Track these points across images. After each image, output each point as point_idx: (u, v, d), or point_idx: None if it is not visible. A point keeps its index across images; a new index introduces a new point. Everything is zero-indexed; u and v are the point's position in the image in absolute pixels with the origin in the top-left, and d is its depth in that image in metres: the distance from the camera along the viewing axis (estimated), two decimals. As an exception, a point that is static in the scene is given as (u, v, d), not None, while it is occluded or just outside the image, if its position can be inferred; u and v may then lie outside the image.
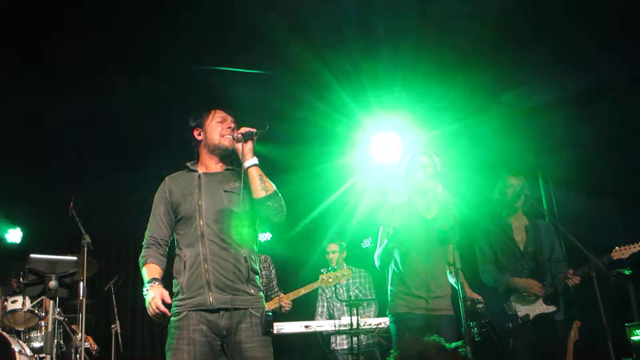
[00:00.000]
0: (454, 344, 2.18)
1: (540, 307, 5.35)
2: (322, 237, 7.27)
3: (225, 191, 3.58)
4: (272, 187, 3.56)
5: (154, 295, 3.36)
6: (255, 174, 3.53)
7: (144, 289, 3.44)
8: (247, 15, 6.30)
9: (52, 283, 4.28)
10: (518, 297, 5.43)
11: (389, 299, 4.96)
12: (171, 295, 3.48)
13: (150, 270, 3.52)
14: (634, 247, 5.24)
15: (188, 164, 3.79)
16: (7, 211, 7.44)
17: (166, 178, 3.77)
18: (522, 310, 5.38)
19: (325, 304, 7.05)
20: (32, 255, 4.49)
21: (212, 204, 3.55)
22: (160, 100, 7.08)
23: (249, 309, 3.45)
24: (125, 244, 8.26)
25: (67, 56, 6.10)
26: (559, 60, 7.02)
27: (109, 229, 7.66)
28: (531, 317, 5.34)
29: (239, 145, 3.57)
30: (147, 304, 3.38)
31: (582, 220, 6.90)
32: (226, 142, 3.66)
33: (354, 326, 5.90)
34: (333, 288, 6.81)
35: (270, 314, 3.53)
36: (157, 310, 3.33)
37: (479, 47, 7.25)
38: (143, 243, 3.67)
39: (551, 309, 5.34)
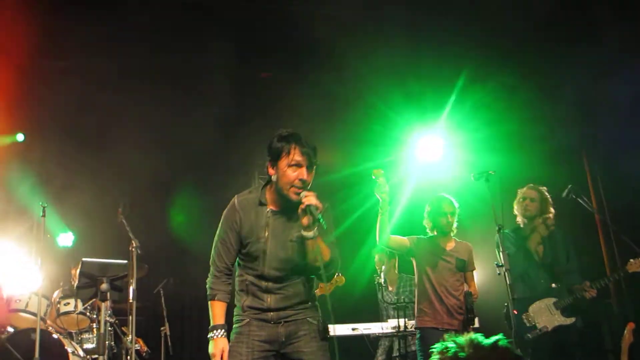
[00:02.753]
0: (492, 338, 2.10)
1: (558, 319, 5.40)
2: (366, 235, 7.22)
3: (290, 240, 3.56)
4: (327, 256, 3.51)
5: (214, 352, 3.46)
6: (310, 247, 3.48)
7: (210, 333, 3.52)
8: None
9: (104, 286, 4.37)
10: (536, 308, 5.48)
11: (416, 314, 5.45)
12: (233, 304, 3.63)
13: (216, 312, 3.57)
14: None
15: (259, 195, 3.64)
16: (61, 215, 7.61)
17: (236, 202, 3.65)
18: (540, 321, 5.42)
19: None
20: (84, 259, 4.59)
21: (277, 251, 3.55)
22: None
23: (307, 318, 3.59)
24: (174, 248, 8.36)
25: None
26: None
27: (158, 233, 7.76)
28: (550, 328, 5.38)
29: (301, 214, 3.41)
30: (209, 350, 3.49)
31: (633, 218, 6.73)
32: (293, 196, 3.48)
33: (401, 328, 5.92)
34: (381, 291, 6.77)
35: (327, 323, 3.59)
36: None
37: (523, 46, 7.19)
38: (214, 268, 3.65)
39: (569, 320, 5.40)
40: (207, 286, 3.64)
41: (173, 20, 6.58)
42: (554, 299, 5.44)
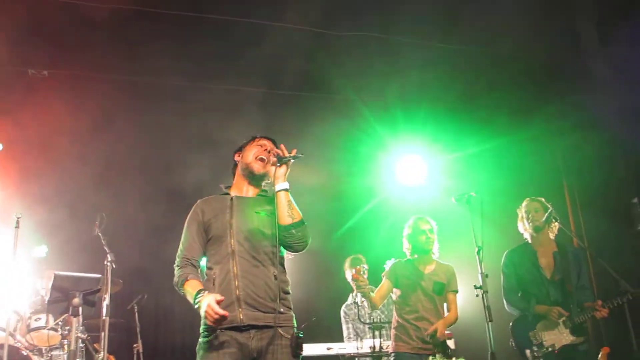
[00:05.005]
0: None
1: (567, 338, 5.25)
2: (345, 257, 7.20)
3: (256, 212, 3.59)
4: (299, 215, 3.56)
5: (208, 302, 3.24)
6: (283, 199, 3.54)
7: (195, 300, 3.33)
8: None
9: (76, 300, 4.27)
10: (545, 326, 5.34)
11: (392, 338, 5.48)
12: (200, 319, 3.41)
13: (194, 285, 3.43)
14: None
15: (221, 185, 3.85)
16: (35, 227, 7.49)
17: (198, 201, 3.77)
18: (548, 339, 5.29)
19: (350, 326, 6.96)
20: (56, 272, 4.49)
21: (243, 223, 3.55)
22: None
23: (279, 329, 3.39)
24: (150, 262, 8.26)
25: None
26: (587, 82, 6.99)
27: (133, 247, 7.66)
28: (557, 347, 5.24)
29: (271, 169, 3.62)
30: (202, 313, 3.27)
31: (611, 245, 6.78)
32: (256, 166, 3.71)
33: (377, 349, 5.85)
34: (356, 310, 6.73)
35: (301, 335, 3.44)
36: (217, 316, 3.20)
37: (504, 70, 7.26)
38: (176, 264, 3.59)
39: (578, 340, 5.25)
40: (174, 280, 3.54)
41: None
42: (563, 317, 5.27)
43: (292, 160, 3.58)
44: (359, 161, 8.32)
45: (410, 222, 5.65)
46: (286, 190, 3.56)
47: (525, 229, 5.69)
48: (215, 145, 6.90)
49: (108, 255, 5.99)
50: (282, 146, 3.64)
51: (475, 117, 7.80)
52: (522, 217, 5.70)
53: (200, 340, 3.42)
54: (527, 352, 5.31)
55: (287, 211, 3.52)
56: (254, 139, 3.87)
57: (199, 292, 3.35)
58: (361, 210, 8.45)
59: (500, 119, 7.70)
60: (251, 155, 3.75)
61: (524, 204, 5.71)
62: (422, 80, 7.51)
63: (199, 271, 3.58)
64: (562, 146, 7.87)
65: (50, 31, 6.54)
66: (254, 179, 3.75)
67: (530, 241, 5.66)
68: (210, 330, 3.37)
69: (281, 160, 3.57)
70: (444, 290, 5.47)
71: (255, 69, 7.17)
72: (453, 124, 7.82)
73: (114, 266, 5.94)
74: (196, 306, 3.33)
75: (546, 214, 5.45)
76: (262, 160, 3.71)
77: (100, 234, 6.14)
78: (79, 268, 6.40)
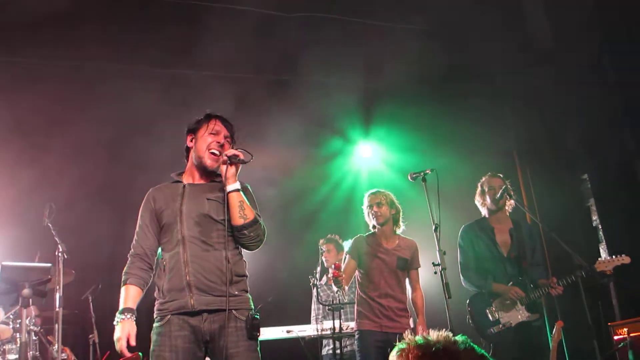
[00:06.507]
0: (459, 337, 2.15)
1: (522, 315, 5.32)
2: (314, 238, 7.20)
3: (208, 199, 3.56)
4: (252, 215, 3.51)
5: (119, 336, 3.29)
6: (235, 200, 3.49)
7: (116, 317, 3.37)
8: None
9: (26, 291, 4.13)
10: (500, 303, 5.39)
11: (355, 317, 5.41)
12: (154, 300, 3.45)
13: (127, 295, 3.43)
14: (617, 260, 5.27)
15: (173, 174, 3.79)
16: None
17: (150, 190, 3.73)
18: (504, 317, 5.33)
19: (320, 306, 6.94)
20: (4, 263, 4.34)
21: (193, 209, 3.52)
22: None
23: (233, 311, 3.37)
24: (103, 251, 8.10)
25: None
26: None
27: (86, 236, 7.51)
28: (513, 324, 5.30)
29: (223, 168, 3.54)
30: (115, 335, 3.33)
31: (562, 220, 6.91)
32: (209, 161, 3.64)
33: (337, 330, 5.82)
34: (315, 292, 6.72)
35: (257, 317, 3.43)
36: (120, 349, 3.29)
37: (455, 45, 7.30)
38: (130, 254, 3.59)
39: (534, 317, 5.33)
40: (123, 271, 3.54)
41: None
42: (521, 296, 5.30)
43: (242, 163, 3.53)
44: (319, 145, 8.31)
45: (364, 198, 5.65)
46: (237, 190, 3.50)
47: (482, 204, 5.70)
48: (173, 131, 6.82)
49: (59, 246, 5.86)
50: (230, 151, 3.57)
51: (430, 98, 7.84)
52: (481, 191, 5.70)
53: (154, 325, 3.41)
54: (484, 329, 5.36)
55: (239, 212, 3.47)
56: (208, 119, 3.74)
57: (121, 312, 3.37)
58: (322, 195, 8.46)
59: (452, 99, 7.76)
60: (204, 147, 3.65)
61: (485, 178, 5.70)
62: (375, 61, 7.49)
63: (153, 260, 3.57)
64: (512, 125, 7.96)
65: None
66: (206, 172, 3.71)
67: (487, 216, 5.68)
68: (162, 315, 3.38)
69: (232, 160, 3.50)
70: (407, 266, 5.45)
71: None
72: (408, 105, 7.83)
73: (65, 256, 5.81)
74: (114, 322, 3.37)
75: (500, 190, 5.49)
76: (214, 154, 3.65)
77: (50, 225, 5.99)
78: (31, 260, 6.25)
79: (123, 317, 3.34)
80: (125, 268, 3.53)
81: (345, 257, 5.65)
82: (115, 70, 7.13)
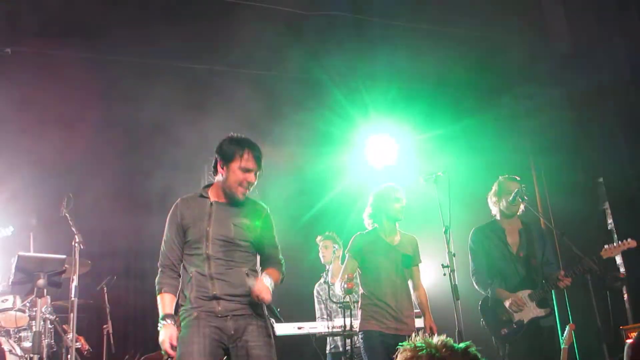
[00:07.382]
0: (463, 344, 2.12)
1: (533, 311, 5.27)
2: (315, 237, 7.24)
3: (234, 225, 3.78)
4: (279, 279, 3.89)
5: (163, 339, 3.61)
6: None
7: (159, 324, 3.70)
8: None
9: (41, 281, 4.22)
10: (512, 303, 5.37)
11: (360, 317, 5.28)
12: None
13: (164, 303, 3.74)
14: (623, 245, 5.19)
15: (201, 190, 3.96)
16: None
17: (178, 200, 3.93)
18: (517, 315, 5.30)
19: (323, 306, 6.99)
20: (20, 254, 4.42)
21: (220, 232, 3.75)
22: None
23: (254, 314, 3.72)
24: (119, 243, 8.18)
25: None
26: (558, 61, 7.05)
27: (102, 227, 7.59)
28: (525, 321, 5.26)
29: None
30: (160, 338, 3.64)
31: (577, 224, 6.89)
32: (240, 195, 3.81)
33: (347, 328, 5.82)
34: (327, 289, 6.75)
35: (272, 320, 3.85)
36: (168, 352, 3.60)
37: (474, 49, 7.27)
38: (159, 263, 3.87)
39: (543, 312, 5.27)
40: (156, 280, 3.82)
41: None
42: (529, 291, 5.27)
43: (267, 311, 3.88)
44: (328, 142, 8.28)
45: (384, 190, 5.44)
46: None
47: (495, 204, 5.63)
48: (188, 124, 6.87)
49: (76, 237, 5.93)
50: (267, 295, 3.67)
51: (444, 97, 7.82)
52: (495, 191, 5.62)
53: (182, 321, 3.69)
54: (497, 330, 5.35)
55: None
56: (242, 150, 3.78)
57: (163, 318, 3.69)
58: (331, 191, 8.43)
59: (469, 100, 7.73)
60: (236, 182, 3.78)
61: (501, 179, 5.62)
62: (392, 61, 7.49)
63: (179, 268, 3.84)
64: (529, 127, 7.92)
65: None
66: (235, 198, 3.87)
67: (498, 218, 5.65)
68: (190, 313, 3.67)
69: (258, 299, 3.66)
70: (411, 263, 5.38)
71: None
72: (422, 105, 7.81)
73: (81, 247, 5.89)
74: (158, 327, 3.70)
75: (513, 193, 5.44)
76: (245, 190, 3.83)
77: (67, 215, 6.07)
78: (47, 249, 6.33)
79: (165, 322, 3.67)
80: (157, 278, 3.82)
81: (344, 256, 5.54)
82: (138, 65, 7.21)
